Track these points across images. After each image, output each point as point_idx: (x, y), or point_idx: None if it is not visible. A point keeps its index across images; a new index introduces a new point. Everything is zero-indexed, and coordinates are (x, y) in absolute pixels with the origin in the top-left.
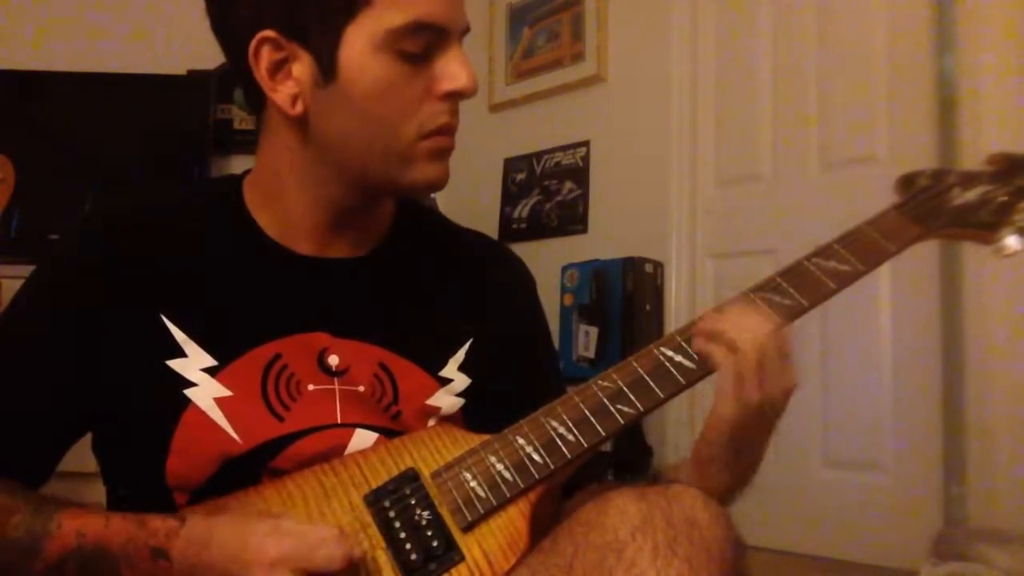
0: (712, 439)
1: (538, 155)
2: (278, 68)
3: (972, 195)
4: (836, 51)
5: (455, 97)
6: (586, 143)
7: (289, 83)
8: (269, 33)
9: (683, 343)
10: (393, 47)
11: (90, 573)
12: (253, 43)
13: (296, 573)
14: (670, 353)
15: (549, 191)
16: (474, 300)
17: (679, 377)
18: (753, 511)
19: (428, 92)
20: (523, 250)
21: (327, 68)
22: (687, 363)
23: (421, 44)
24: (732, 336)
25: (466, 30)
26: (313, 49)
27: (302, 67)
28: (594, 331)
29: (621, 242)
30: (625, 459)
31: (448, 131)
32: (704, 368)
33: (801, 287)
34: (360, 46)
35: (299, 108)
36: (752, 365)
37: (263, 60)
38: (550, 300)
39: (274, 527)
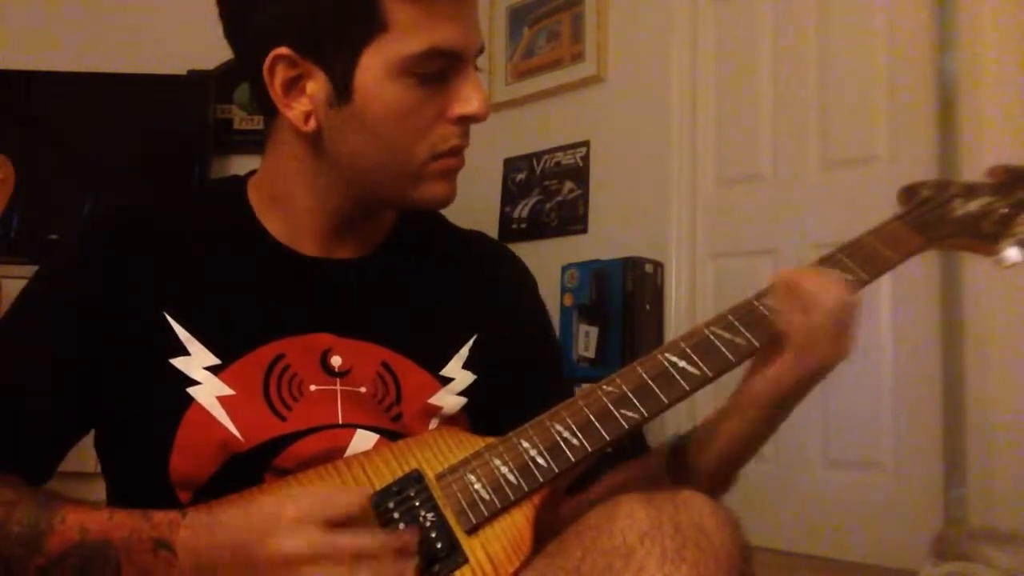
0: (751, 412)
1: (538, 155)
2: (292, 85)
3: (974, 206)
4: (836, 51)
5: (467, 121)
6: (586, 143)
7: (303, 99)
8: (284, 51)
9: (687, 348)
10: (409, 72)
11: (90, 568)
12: (268, 60)
13: (322, 526)
14: (675, 359)
15: (549, 191)
16: (476, 298)
17: (683, 383)
18: (753, 511)
19: (441, 114)
20: (523, 250)
21: (342, 90)
22: (691, 369)
23: (436, 68)
24: (814, 292)
25: (481, 51)
26: (328, 69)
27: (316, 85)
28: (594, 331)
29: (621, 242)
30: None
31: (458, 152)
32: (708, 375)
33: None
34: (376, 70)
35: (312, 125)
36: (829, 321)
37: (277, 77)
38: (550, 300)
39: (283, 495)
